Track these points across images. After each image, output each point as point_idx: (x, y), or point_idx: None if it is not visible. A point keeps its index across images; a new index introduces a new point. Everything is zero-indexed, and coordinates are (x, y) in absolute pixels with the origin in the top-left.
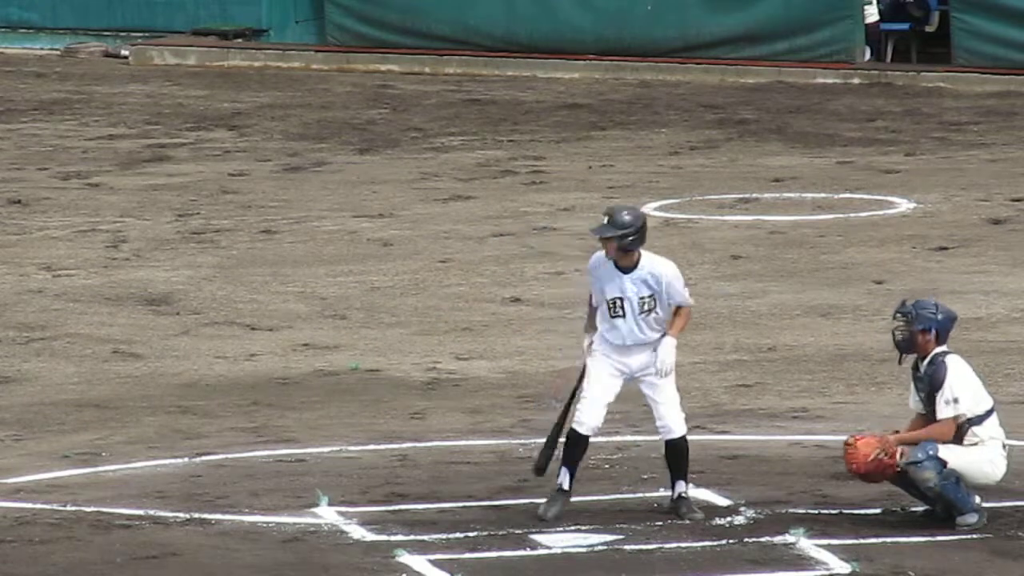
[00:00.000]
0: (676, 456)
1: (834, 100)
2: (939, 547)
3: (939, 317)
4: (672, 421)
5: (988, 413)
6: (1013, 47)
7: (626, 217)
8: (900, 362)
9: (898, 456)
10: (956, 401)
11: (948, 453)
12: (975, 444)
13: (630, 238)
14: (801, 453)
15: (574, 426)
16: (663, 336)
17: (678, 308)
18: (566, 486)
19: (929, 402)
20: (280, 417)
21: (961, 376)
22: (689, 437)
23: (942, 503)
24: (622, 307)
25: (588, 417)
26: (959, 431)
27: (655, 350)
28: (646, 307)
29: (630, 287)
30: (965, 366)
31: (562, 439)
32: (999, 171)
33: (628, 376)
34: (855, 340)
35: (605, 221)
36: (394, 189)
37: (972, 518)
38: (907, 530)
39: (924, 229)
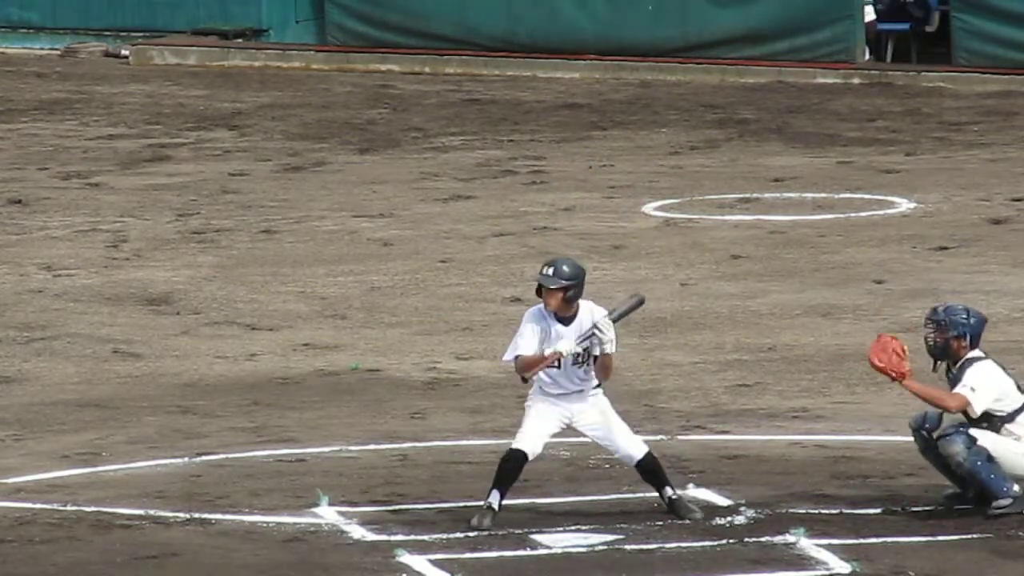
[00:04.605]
0: (650, 472)
1: (834, 100)
2: (939, 547)
3: (971, 322)
4: (631, 448)
5: (1020, 410)
6: (1013, 47)
7: (567, 269)
8: (934, 369)
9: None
10: (973, 390)
11: (981, 436)
12: (1014, 438)
13: (572, 290)
14: (801, 453)
15: (516, 445)
16: (597, 386)
17: (605, 357)
18: (496, 507)
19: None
20: (280, 417)
21: (985, 375)
22: (689, 437)
23: (974, 484)
24: (558, 361)
25: (529, 442)
26: (992, 426)
27: (589, 398)
28: (579, 360)
29: (569, 338)
30: (994, 369)
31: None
32: (999, 171)
33: (568, 419)
34: (855, 340)
35: (550, 272)
36: (394, 189)
37: (1006, 501)
38: (907, 530)
39: (924, 229)
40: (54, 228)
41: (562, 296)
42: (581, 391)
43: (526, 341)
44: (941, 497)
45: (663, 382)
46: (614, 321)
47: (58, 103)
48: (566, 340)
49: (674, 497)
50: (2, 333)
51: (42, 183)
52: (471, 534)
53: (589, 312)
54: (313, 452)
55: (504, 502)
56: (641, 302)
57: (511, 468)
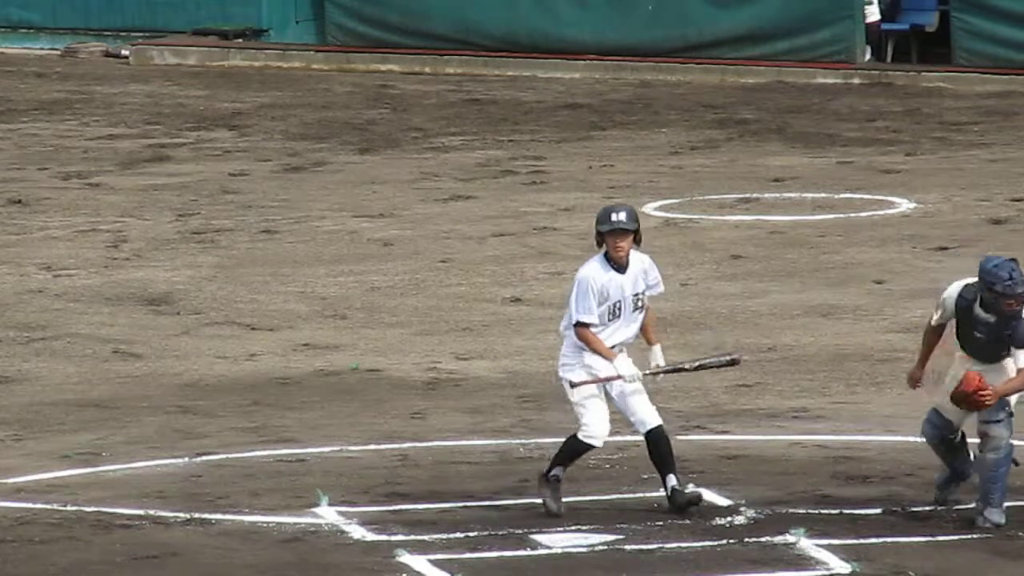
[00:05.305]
0: (659, 448)
1: (834, 100)
2: (939, 547)
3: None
4: (646, 414)
5: None
6: (1013, 47)
7: (630, 212)
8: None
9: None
10: None
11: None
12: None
13: (639, 232)
14: (801, 453)
15: (587, 440)
16: (653, 346)
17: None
18: (561, 476)
19: (995, 340)
20: (280, 417)
21: None
22: (689, 437)
23: (983, 477)
24: (619, 309)
25: (600, 429)
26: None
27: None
28: (640, 303)
29: (628, 286)
30: None
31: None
32: (999, 171)
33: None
34: (855, 340)
35: (623, 216)
36: (394, 189)
37: (999, 516)
38: (907, 530)
39: (924, 229)
40: (54, 228)
41: (633, 238)
42: (623, 349)
43: (592, 305)
44: (936, 491)
45: (663, 382)
46: (694, 369)
47: (58, 103)
48: (633, 369)
49: (676, 487)
50: (2, 333)
51: (42, 183)
52: (471, 534)
53: (639, 259)
54: (313, 452)
55: (504, 502)
56: (733, 363)
57: (578, 456)
